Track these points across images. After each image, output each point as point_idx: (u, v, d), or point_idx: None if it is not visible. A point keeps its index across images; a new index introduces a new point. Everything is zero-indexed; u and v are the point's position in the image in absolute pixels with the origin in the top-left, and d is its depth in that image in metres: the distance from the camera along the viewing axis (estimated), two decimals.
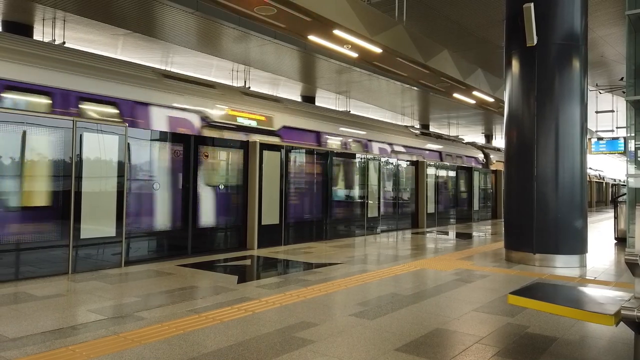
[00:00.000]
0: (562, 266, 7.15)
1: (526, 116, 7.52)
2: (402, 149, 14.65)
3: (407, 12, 11.37)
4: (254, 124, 9.55)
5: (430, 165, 14.32)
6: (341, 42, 9.83)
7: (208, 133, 8.51)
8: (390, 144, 14.13)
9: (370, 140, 13.31)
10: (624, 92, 14.58)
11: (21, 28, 11.27)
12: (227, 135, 8.86)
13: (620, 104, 22.43)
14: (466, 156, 18.99)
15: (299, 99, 19.35)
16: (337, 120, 12.67)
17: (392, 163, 13.09)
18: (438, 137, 18.14)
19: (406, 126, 17.06)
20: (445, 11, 12.43)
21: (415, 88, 17.24)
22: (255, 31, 11.39)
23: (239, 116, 9.25)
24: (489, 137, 31.60)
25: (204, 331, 3.82)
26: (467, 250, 9.20)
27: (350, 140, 12.50)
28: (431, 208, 14.21)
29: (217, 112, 8.91)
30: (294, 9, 8.10)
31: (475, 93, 15.40)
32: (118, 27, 11.68)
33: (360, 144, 12.91)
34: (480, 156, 20.40)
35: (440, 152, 16.95)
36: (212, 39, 12.24)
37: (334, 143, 11.96)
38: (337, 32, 9.16)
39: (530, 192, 7.38)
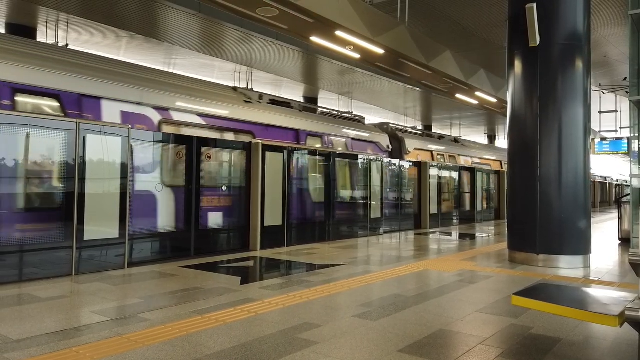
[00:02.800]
0: (566, 267, 7.13)
1: (529, 116, 7.51)
2: (201, 121, 9.21)
3: (409, 12, 11.36)
4: None
5: (433, 166, 14.31)
6: (343, 43, 9.83)
7: None
8: (165, 109, 8.57)
9: (99, 98, 7.59)
10: (627, 92, 14.52)
11: (24, 30, 11.31)
12: None
13: (623, 104, 22.35)
14: (354, 139, 13.55)
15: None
16: None
17: (395, 164, 13.07)
18: (304, 110, 12.72)
19: (234, 88, 11.27)
20: (448, 12, 12.41)
21: (417, 89, 17.22)
22: (257, 32, 11.41)
23: None
24: (491, 137, 31.58)
25: (207, 332, 3.83)
26: (470, 251, 9.18)
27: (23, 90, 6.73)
28: (434, 209, 14.19)
29: None
30: (296, 10, 8.12)
31: (477, 94, 15.39)
32: (121, 29, 11.72)
33: (70, 102, 7.19)
34: (385, 142, 15.02)
35: (297, 131, 11.58)
36: (215, 40, 12.26)
37: None
38: (339, 33, 9.17)
39: (534, 192, 7.36)
